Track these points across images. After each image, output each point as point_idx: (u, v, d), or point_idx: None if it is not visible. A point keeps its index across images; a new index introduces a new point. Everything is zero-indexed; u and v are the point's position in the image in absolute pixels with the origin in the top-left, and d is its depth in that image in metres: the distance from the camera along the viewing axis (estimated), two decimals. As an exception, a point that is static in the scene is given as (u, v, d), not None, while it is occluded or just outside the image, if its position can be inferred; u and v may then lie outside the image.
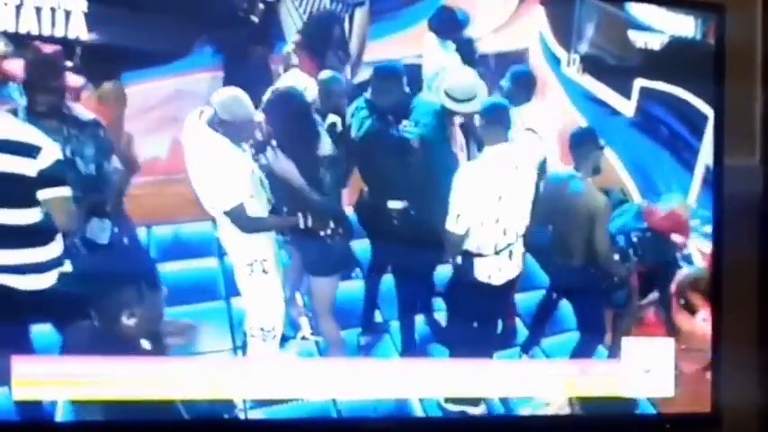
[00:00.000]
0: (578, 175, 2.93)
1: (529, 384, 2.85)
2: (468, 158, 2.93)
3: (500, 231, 2.85)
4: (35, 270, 2.46)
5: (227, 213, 2.62)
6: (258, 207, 2.68)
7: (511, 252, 2.88)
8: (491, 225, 2.83)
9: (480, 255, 2.86)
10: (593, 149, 2.92)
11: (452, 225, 2.81)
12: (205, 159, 2.61)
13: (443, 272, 2.91)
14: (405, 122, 2.83)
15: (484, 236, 2.84)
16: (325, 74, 2.77)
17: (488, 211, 2.82)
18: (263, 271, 2.71)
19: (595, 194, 2.93)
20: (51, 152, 2.41)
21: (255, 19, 2.71)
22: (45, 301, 2.47)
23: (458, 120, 2.92)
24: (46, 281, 2.48)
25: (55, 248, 2.48)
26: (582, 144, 2.93)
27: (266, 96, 2.67)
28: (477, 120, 2.84)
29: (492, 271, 2.88)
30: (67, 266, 2.49)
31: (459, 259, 2.88)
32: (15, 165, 2.37)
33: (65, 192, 2.44)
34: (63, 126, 2.50)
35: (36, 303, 2.47)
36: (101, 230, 2.58)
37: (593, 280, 2.96)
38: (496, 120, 2.82)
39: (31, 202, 2.41)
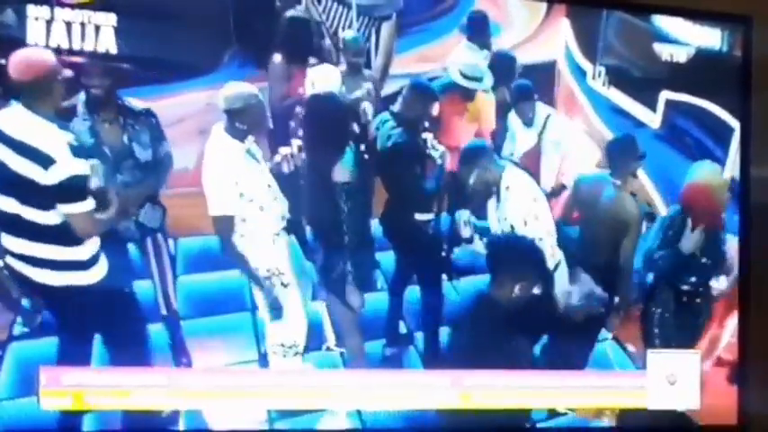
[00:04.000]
0: (613, 181, 2.90)
1: (552, 395, 2.84)
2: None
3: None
4: (65, 267, 2.46)
5: (214, 219, 2.61)
6: (268, 219, 2.68)
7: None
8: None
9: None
10: (632, 159, 2.90)
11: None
12: (216, 164, 2.61)
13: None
14: (430, 135, 2.85)
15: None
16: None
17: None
18: (282, 284, 2.71)
19: (629, 203, 2.90)
20: (66, 166, 2.36)
21: (284, 33, 2.74)
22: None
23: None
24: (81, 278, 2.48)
25: (83, 251, 2.48)
26: (621, 152, 2.91)
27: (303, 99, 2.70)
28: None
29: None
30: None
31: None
32: (27, 169, 2.35)
33: (83, 207, 2.41)
34: (120, 116, 2.59)
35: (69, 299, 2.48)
36: (153, 216, 2.63)
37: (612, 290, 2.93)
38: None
39: (47, 205, 2.39)
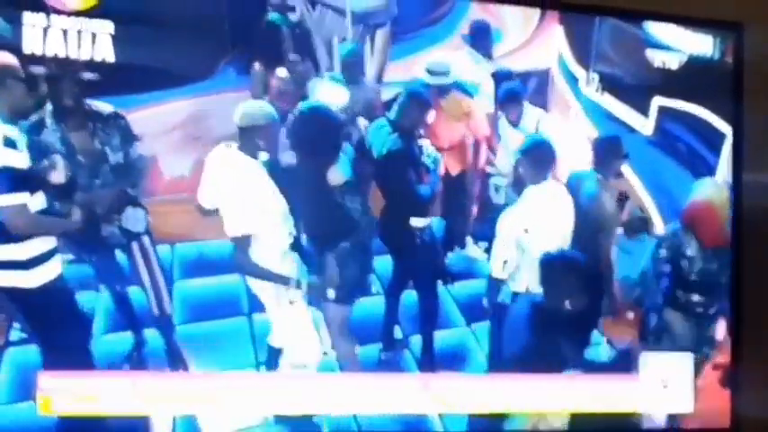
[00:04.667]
0: (596, 177, 2.93)
1: (546, 399, 2.85)
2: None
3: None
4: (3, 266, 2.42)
5: (233, 239, 2.59)
6: (278, 236, 2.66)
7: None
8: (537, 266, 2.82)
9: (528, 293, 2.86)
10: (616, 157, 2.94)
11: (498, 272, 2.83)
12: (234, 182, 2.59)
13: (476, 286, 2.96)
14: (426, 142, 2.87)
15: (531, 275, 2.83)
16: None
17: (536, 253, 2.80)
18: (290, 302, 2.70)
19: (608, 200, 2.93)
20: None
21: (279, 40, 2.75)
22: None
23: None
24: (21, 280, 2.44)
25: (20, 250, 2.42)
26: (606, 150, 2.95)
27: (295, 111, 2.68)
28: (519, 161, 2.85)
29: None
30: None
31: (508, 299, 2.88)
32: None
33: (13, 200, 2.36)
34: (86, 121, 2.56)
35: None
36: (135, 219, 2.62)
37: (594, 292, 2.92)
38: (539, 158, 2.83)
39: None
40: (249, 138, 2.57)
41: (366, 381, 2.74)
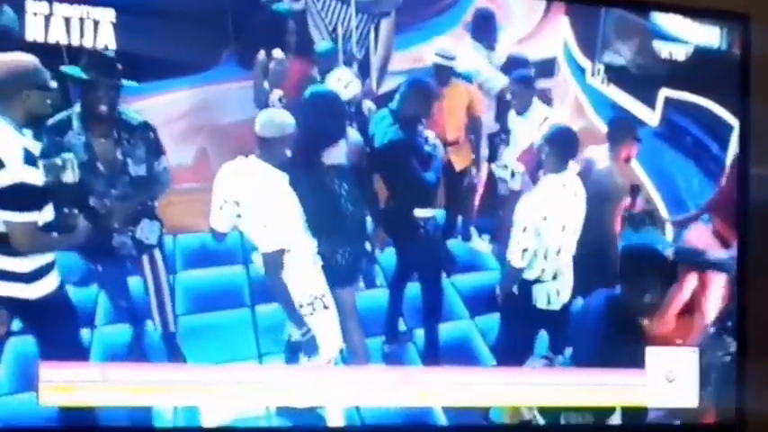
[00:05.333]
0: (609, 152, 2.94)
1: (553, 393, 2.84)
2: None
3: (561, 260, 2.85)
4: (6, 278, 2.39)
5: (265, 255, 2.57)
6: (307, 243, 2.65)
7: (565, 276, 2.88)
8: (553, 255, 2.82)
9: (539, 281, 2.86)
10: (630, 136, 2.93)
11: (516, 260, 2.80)
12: (266, 197, 2.56)
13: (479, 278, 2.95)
14: (429, 132, 2.85)
15: (545, 266, 2.84)
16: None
17: (553, 242, 2.80)
18: (324, 306, 2.69)
19: (617, 176, 2.94)
20: (14, 173, 2.28)
21: (282, 29, 2.74)
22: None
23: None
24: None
25: (24, 264, 2.39)
26: (620, 128, 2.94)
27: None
28: (541, 148, 2.82)
29: (552, 295, 2.87)
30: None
31: (515, 288, 2.87)
32: None
33: (25, 218, 2.32)
34: (113, 129, 2.54)
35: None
36: (150, 231, 2.61)
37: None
38: (563, 146, 2.81)
39: None
40: (273, 147, 2.54)
41: (368, 373, 2.74)
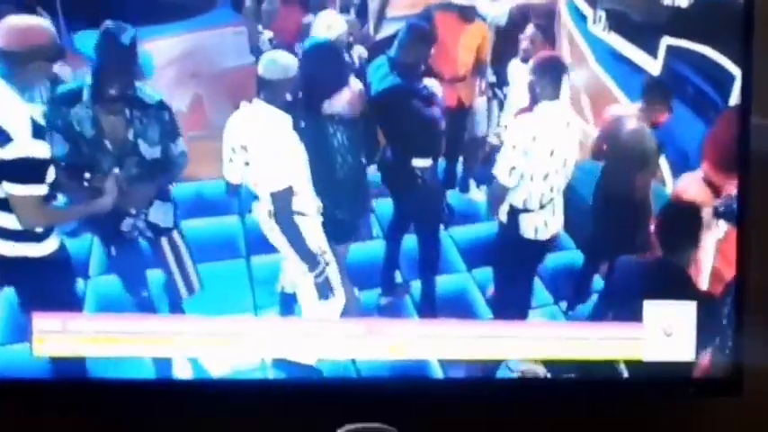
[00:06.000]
0: (638, 113, 2.92)
1: (550, 346, 2.82)
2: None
3: (547, 187, 2.85)
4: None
5: (273, 194, 2.58)
6: (311, 194, 2.66)
7: (554, 207, 2.89)
8: (539, 180, 2.83)
9: (526, 210, 2.87)
10: (659, 99, 2.90)
11: (504, 177, 2.81)
12: (271, 137, 2.56)
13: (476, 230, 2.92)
14: (429, 80, 2.81)
15: (531, 190, 2.85)
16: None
17: (540, 165, 2.81)
18: (326, 263, 2.70)
19: (650, 136, 2.92)
20: (22, 147, 2.28)
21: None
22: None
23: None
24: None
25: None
26: (653, 95, 2.91)
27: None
28: (529, 75, 2.83)
29: (539, 226, 2.90)
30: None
31: (504, 217, 2.88)
32: None
33: (29, 191, 2.33)
34: (126, 108, 2.48)
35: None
36: (164, 213, 2.57)
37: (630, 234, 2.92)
38: (548, 71, 2.83)
39: None
40: (276, 90, 2.54)
41: (364, 325, 2.71)
